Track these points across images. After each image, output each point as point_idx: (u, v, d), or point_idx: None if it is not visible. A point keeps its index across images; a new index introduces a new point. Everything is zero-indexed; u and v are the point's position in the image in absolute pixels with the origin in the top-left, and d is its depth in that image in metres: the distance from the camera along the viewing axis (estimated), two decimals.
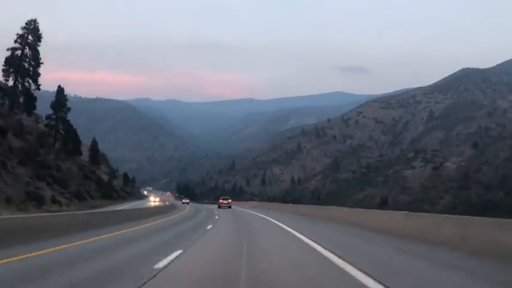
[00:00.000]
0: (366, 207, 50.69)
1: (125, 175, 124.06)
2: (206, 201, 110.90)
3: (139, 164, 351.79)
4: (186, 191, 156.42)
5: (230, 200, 54.96)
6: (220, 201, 54.03)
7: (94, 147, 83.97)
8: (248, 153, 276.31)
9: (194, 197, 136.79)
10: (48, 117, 64.33)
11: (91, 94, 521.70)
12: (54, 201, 38.98)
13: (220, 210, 42.81)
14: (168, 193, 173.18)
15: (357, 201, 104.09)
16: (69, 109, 65.91)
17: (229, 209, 45.19)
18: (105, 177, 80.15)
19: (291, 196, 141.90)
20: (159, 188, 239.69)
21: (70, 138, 66.29)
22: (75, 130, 69.66)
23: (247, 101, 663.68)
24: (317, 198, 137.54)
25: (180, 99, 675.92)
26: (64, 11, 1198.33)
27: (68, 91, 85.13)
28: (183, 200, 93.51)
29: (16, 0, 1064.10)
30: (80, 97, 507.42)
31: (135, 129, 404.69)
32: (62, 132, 64.72)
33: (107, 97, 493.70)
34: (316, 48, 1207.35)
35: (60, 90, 65.92)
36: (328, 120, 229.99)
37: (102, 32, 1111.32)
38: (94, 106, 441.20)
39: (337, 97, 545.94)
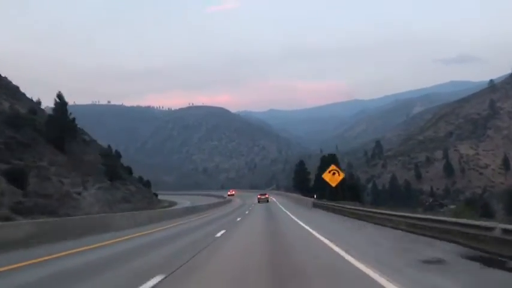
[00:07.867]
0: None
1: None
2: None
3: (239, 171, 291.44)
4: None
5: (267, 195, 66.16)
6: (259, 196, 63.05)
7: None
8: (382, 142, 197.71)
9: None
10: None
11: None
12: None
13: None
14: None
15: None
16: None
17: None
18: None
19: None
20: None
21: None
22: None
23: (351, 103, 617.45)
24: None
25: (280, 109, 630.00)
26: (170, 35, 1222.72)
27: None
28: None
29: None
30: (175, 109, 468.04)
31: (232, 134, 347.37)
32: None
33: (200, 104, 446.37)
34: (417, 42, 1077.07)
35: None
36: None
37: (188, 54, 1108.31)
38: (187, 114, 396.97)
39: (455, 85, 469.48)
